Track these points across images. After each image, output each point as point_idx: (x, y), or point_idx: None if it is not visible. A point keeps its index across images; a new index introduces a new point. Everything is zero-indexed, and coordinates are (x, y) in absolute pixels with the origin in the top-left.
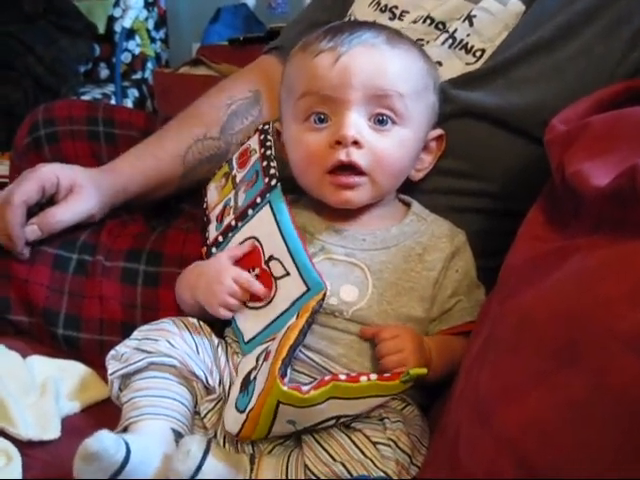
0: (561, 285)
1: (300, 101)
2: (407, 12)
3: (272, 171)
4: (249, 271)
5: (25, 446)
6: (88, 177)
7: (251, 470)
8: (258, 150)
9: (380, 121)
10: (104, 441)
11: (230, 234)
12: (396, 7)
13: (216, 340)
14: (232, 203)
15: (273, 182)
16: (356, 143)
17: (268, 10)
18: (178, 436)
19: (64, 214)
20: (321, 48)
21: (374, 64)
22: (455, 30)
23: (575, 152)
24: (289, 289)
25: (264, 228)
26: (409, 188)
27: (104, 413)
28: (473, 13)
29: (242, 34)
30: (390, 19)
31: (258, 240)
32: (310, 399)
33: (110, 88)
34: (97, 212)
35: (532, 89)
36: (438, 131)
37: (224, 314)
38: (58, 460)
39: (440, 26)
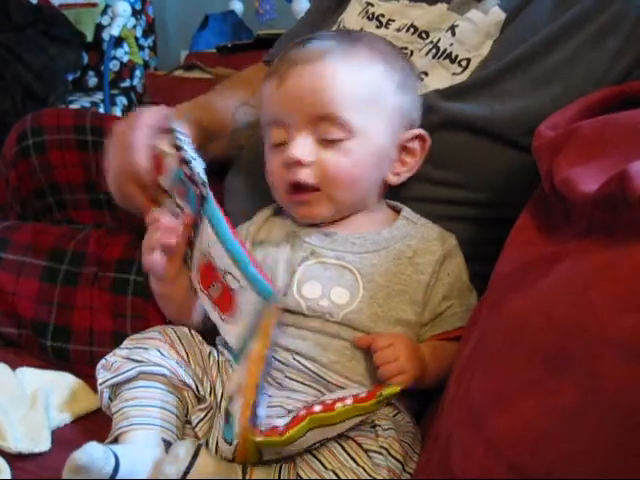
0: (552, 291)
1: (264, 127)
2: (393, 20)
3: (197, 179)
4: (212, 285)
5: (14, 458)
6: (178, 113)
7: (243, 478)
8: (172, 153)
9: (327, 137)
10: (92, 453)
11: (189, 251)
12: (382, 15)
13: (207, 349)
14: (178, 210)
15: (204, 192)
16: (300, 163)
17: (256, 17)
18: (168, 446)
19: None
20: (270, 71)
21: (311, 85)
22: (439, 40)
23: (564, 158)
24: (247, 300)
25: (209, 241)
26: (397, 197)
27: (95, 424)
28: (456, 23)
29: (230, 41)
30: (377, 27)
31: (210, 255)
32: (289, 438)
33: (99, 96)
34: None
35: (519, 99)
36: (415, 131)
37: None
38: (48, 472)
39: (423, 35)
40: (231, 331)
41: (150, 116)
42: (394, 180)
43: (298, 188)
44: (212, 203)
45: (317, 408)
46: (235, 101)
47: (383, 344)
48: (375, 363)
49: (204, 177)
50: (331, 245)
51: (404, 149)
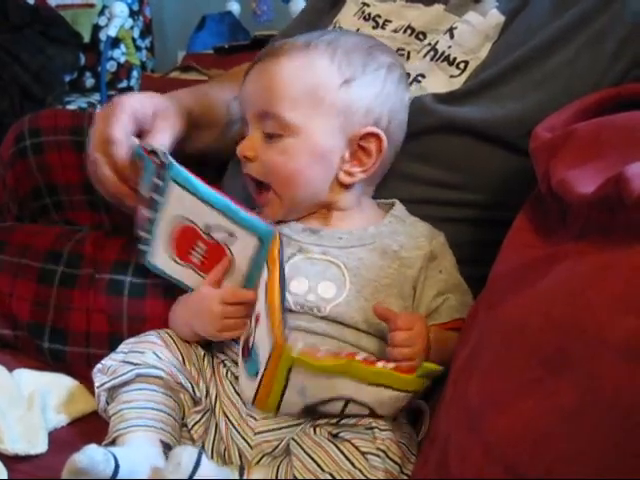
0: (550, 292)
1: None
2: (389, 21)
3: (156, 149)
4: (192, 251)
5: (11, 460)
6: (163, 101)
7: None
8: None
9: (270, 135)
10: (92, 456)
11: (152, 227)
12: (379, 16)
13: (202, 351)
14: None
15: (164, 160)
16: (246, 157)
17: (253, 18)
18: (166, 448)
19: (164, 138)
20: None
21: (258, 83)
22: (437, 42)
23: (561, 160)
24: (242, 249)
25: (184, 205)
26: (393, 198)
27: (91, 426)
28: (454, 25)
29: (227, 42)
30: (373, 28)
31: (186, 219)
32: (322, 366)
33: (96, 97)
34: (182, 133)
35: (518, 102)
36: (368, 129)
37: (229, 336)
38: (45, 474)
39: (420, 36)
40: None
41: (131, 104)
42: (347, 180)
43: (260, 186)
44: (176, 167)
45: (360, 357)
46: (231, 93)
47: (403, 325)
48: (390, 342)
49: (163, 148)
50: (317, 241)
51: (360, 148)
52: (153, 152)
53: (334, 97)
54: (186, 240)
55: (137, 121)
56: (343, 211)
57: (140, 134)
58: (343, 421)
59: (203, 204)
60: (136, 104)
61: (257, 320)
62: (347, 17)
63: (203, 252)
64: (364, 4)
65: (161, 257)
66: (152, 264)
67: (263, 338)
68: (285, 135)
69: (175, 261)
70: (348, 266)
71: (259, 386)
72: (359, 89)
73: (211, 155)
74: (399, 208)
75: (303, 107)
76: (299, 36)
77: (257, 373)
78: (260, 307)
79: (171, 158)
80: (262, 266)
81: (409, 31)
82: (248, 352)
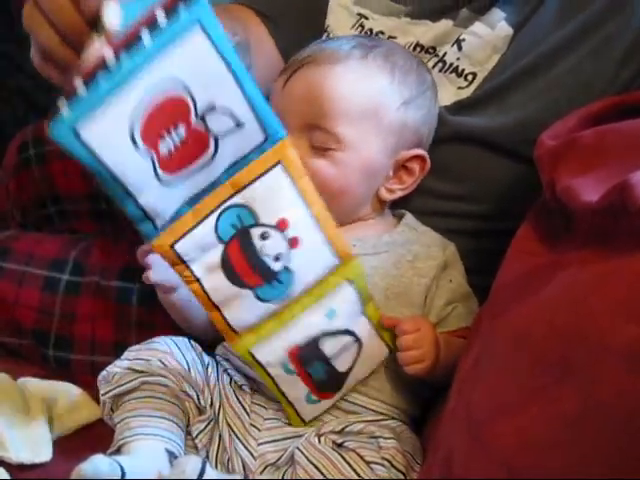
0: (553, 300)
1: None
2: (394, 37)
3: None
4: (164, 136)
5: (15, 469)
6: None
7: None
8: None
9: (318, 145)
10: (98, 465)
11: (104, 78)
12: (382, 32)
13: (207, 359)
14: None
15: None
16: None
17: None
18: (172, 456)
19: None
20: (285, 66)
21: (309, 89)
22: (445, 54)
23: (565, 167)
24: (240, 141)
25: (194, 65)
26: (397, 209)
27: (96, 434)
28: (462, 37)
29: None
30: None
31: (184, 86)
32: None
33: None
34: None
35: (523, 110)
36: (414, 151)
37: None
38: None
39: (430, 51)
40: (172, 193)
41: None
42: (387, 196)
43: None
44: (207, 4)
45: None
46: None
47: (410, 328)
48: (399, 346)
49: None
50: None
51: (403, 167)
52: None
53: (392, 117)
54: (164, 117)
55: None
56: (365, 221)
57: None
58: (347, 429)
59: (226, 73)
60: None
61: (293, 244)
62: (342, 27)
63: (179, 139)
64: (361, 16)
65: (103, 130)
66: (75, 134)
67: (312, 261)
68: (337, 149)
69: (126, 141)
70: None
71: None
72: (413, 111)
73: None
74: (410, 217)
75: (361, 124)
76: (341, 41)
77: (286, 295)
78: (295, 230)
79: None
80: (244, 167)
81: (418, 49)
82: (272, 277)
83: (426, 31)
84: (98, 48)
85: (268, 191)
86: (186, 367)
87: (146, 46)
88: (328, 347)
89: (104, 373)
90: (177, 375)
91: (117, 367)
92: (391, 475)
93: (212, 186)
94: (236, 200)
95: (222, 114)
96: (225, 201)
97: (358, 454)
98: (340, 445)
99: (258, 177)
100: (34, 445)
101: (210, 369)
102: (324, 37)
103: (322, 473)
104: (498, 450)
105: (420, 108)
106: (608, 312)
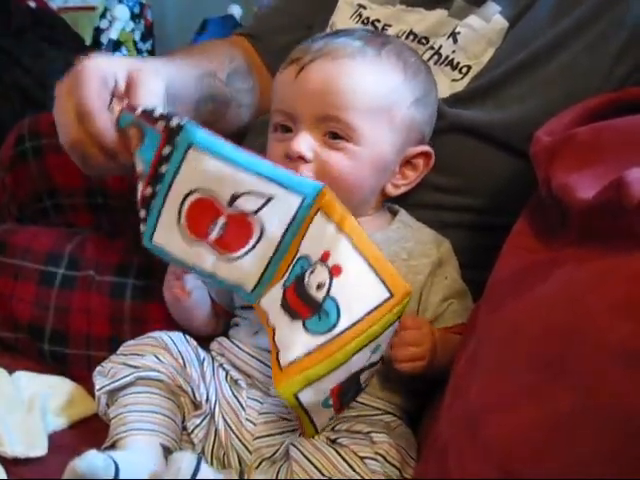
0: (550, 297)
1: (272, 113)
2: (389, 26)
3: (158, 113)
4: (210, 228)
5: (10, 463)
6: (137, 62)
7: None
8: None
9: (334, 136)
10: (93, 461)
11: (153, 204)
12: (378, 20)
13: (202, 354)
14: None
15: (175, 123)
16: (302, 158)
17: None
18: (167, 451)
19: (156, 95)
20: (290, 59)
21: (326, 81)
22: (440, 47)
23: (561, 164)
24: (280, 210)
25: (204, 174)
26: (395, 202)
27: (91, 429)
28: (457, 30)
29: None
30: None
31: (204, 190)
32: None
33: None
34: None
35: (519, 106)
36: (421, 148)
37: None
38: (44, 477)
39: (423, 41)
40: (245, 265)
41: (98, 66)
42: (393, 191)
43: None
44: (193, 127)
45: None
46: (198, 69)
47: (414, 325)
48: (400, 340)
49: (168, 111)
50: None
51: (408, 163)
52: (149, 114)
53: (404, 114)
54: (203, 215)
55: (110, 85)
56: (362, 217)
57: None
58: (337, 427)
59: (232, 169)
60: (104, 65)
61: (324, 259)
62: (343, 19)
63: (223, 226)
64: (360, 6)
65: (167, 236)
66: (154, 245)
67: (356, 289)
68: (350, 141)
69: (185, 239)
70: None
71: (325, 344)
72: (422, 109)
73: None
74: (404, 213)
75: (375, 119)
76: (357, 34)
77: (330, 330)
78: (336, 258)
79: (185, 118)
80: (300, 226)
81: (411, 37)
82: (317, 308)
83: (420, 19)
84: (140, 188)
85: (314, 236)
86: (181, 362)
87: (165, 174)
88: (365, 376)
89: (99, 368)
90: (172, 370)
91: (112, 362)
92: (385, 470)
93: (278, 252)
94: (298, 255)
95: (248, 196)
96: (292, 261)
97: (352, 450)
98: (334, 441)
99: (307, 228)
100: (29, 439)
101: (206, 364)
102: (328, 31)
103: (317, 468)
104: (493, 446)
105: (427, 107)
106: (605, 311)
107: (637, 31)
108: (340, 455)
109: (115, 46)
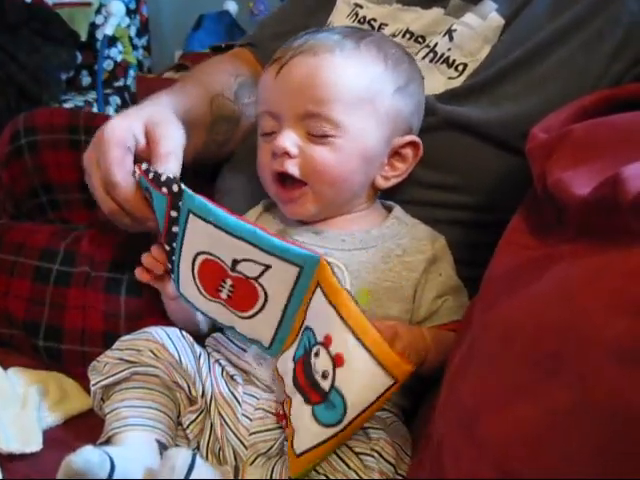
0: (545, 294)
1: (258, 115)
2: (386, 25)
3: (164, 178)
4: (220, 288)
5: (5, 459)
6: (154, 114)
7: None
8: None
9: (317, 133)
10: (88, 457)
11: (174, 258)
12: (374, 19)
13: (198, 350)
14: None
15: (175, 188)
16: (287, 154)
17: (250, 17)
18: (162, 447)
19: (167, 145)
20: (274, 57)
21: (306, 77)
22: (436, 44)
23: (557, 160)
24: (279, 279)
25: (205, 239)
26: (389, 199)
27: (86, 424)
28: (453, 28)
29: (224, 41)
30: None
31: (209, 253)
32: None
33: (92, 95)
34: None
35: (515, 102)
36: (409, 138)
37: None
38: (39, 473)
39: (420, 40)
40: (257, 324)
41: (116, 135)
42: (383, 184)
43: (285, 182)
44: (192, 195)
45: None
46: (209, 92)
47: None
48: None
49: (169, 175)
50: (320, 242)
51: (396, 154)
52: (157, 179)
53: (388, 104)
54: (211, 276)
55: (131, 146)
56: (356, 213)
57: (142, 156)
58: None
59: (228, 236)
60: (122, 126)
61: (326, 344)
62: (340, 19)
63: (231, 288)
64: (357, 5)
65: (189, 290)
66: (183, 295)
67: (359, 382)
68: (335, 136)
69: (202, 295)
70: (349, 269)
71: (333, 437)
72: (406, 98)
73: (199, 160)
74: (399, 209)
75: (358, 111)
76: (331, 32)
77: (338, 423)
78: (325, 331)
79: (183, 185)
80: (303, 295)
81: (408, 35)
82: (325, 397)
83: (416, 18)
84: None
85: (316, 311)
86: (177, 357)
87: (177, 234)
88: None
89: (95, 363)
90: (168, 365)
91: (108, 357)
92: (380, 466)
93: (286, 315)
94: (305, 323)
95: (247, 263)
96: (301, 327)
97: (347, 445)
98: None
99: (310, 300)
100: (24, 435)
101: (202, 360)
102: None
103: None
104: (488, 443)
105: (412, 96)
106: (600, 307)
107: (633, 29)
108: (335, 451)
109: (110, 42)
